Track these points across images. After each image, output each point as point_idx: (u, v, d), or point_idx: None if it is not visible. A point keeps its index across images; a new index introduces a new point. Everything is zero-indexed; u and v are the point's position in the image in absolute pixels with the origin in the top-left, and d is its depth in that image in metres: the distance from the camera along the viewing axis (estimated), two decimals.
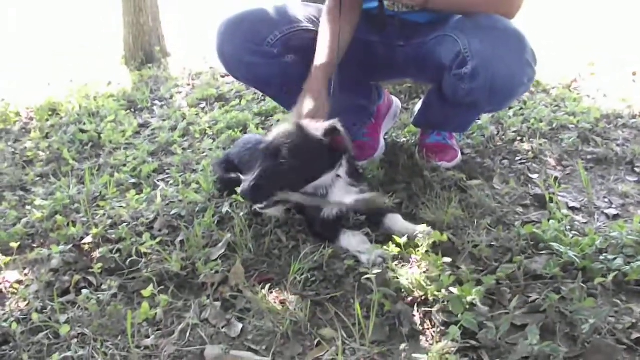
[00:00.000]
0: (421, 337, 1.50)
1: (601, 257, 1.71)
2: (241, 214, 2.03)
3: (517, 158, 2.51)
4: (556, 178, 2.27)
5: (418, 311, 1.57)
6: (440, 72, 2.14)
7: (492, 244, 1.86)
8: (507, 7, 2.04)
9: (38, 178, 2.72)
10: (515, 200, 2.15)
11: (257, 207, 1.96)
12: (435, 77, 2.21)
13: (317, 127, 1.82)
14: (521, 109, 3.02)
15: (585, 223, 2.01)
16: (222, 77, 4.19)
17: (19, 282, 1.93)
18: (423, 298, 1.61)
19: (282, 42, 2.15)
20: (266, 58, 2.14)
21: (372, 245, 1.82)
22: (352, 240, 1.85)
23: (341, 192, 1.92)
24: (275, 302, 1.66)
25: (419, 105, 2.65)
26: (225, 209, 2.11)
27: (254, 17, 2.17)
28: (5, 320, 1.70)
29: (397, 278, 1.63)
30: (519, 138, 2.69)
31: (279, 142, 1.80)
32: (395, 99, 2.77)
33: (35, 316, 1.67)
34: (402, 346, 1.46)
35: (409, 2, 2.00)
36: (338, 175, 1.91)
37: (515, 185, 2.22)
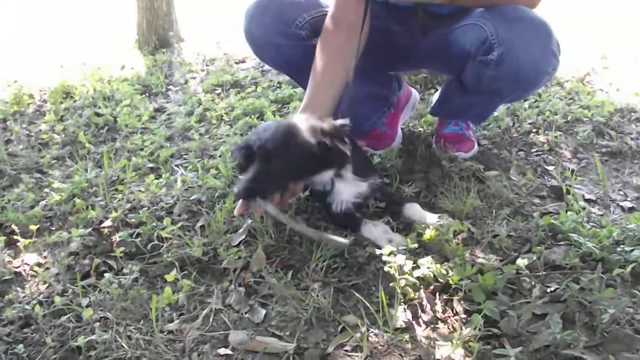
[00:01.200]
0: (443, 324, 1.52)
1: (618, 249, 1.72)
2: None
3: (533, 150, 2.52)
4: (572, 170, 2.28)
5: (440, 299, 1.59)
6: (462, 62, 2.14)
7: (511, 234, 1.88)
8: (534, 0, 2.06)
9: (54, 161, 2.73)
10: (532, 192, 2.16)
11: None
12: (457, 67, 2.22)
13: (316, 126, 1.80)
14: (536, 101, 3.02)
15: (602, 215, 2.02)
16: (237, 63, 4.19)
17: (39, 264, 1.94)
18: (444, 286, 1.63)
19: (310, 24, 2.15)
20: (294, 40, 2.14)
21: (393, 234, 1.83)
22: (374, 230, 1.87)
23: (346, 189, 1.93)
24: (297, 289, 1.68)
25: (436, 95, 2.65)
26: None
27: (282, 0, 2.17)
28: (28, 303, 1.72)
29: (419, 266, 1.65)
30: (534, 130, 2.70)
31: (269, 143, 1.79)
32: (413, 90, 2.77)
33: (57, 299, 1.69)
34: (426, 333, 1.48)
35: (438, 1, 2.00)
36: (339, 175, 1.90)
37: (532, 176, 2.23)
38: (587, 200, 2.12)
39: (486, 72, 2.04)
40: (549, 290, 1.60)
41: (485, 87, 2.12)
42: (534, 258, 1.70)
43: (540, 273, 1.67)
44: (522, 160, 2.42)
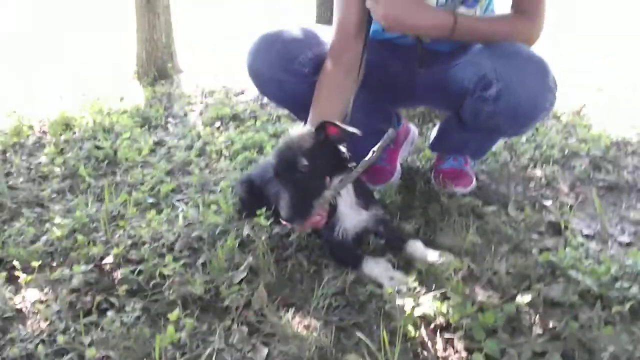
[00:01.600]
0: None
1: (617, 285, 1.74)
2: (262, 237, 2.06)
3: (531, 184, 2.55)
4: (570, 205, 2.31)
5: (441, 337, 1.60)
6: (460, 98, 2.18)
7: (510, 270, 1.90)
8: (528, 35, 2.10)
9: (55, 194, 2.74)
10: (530, 227, 2.18)
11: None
12: (455, 104, 2.25)
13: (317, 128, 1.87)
14: (533, 135, 3.06)
15: (600, 250, 2.04)
16: (236, 95, 4.23)
17: (40, 301, 1.94)
18: (445, 325, 1.64)
19: (312, 62, 2.19)
20: (297, 77, 2.18)
21: (394, 272, 1.85)
22: (375, 268, 1.88)
23: (348, 216, 1.96)
24: (299, 327, 1.68)
25: (434, 130, 2.68)
26: (246, 231, 2.14)
27: (287, 37, 2.22)
28: (30, 342, 1.71)
29: (419, 305, 1.66)
30: (532, 164, 2.73)
31: (289, 153, 1.83)
32: (412, 126, 2.81)
33: (60, 338, 1.69)
34: None
35: (435, 35, 2.03)
36: (340, 195, 1.93)
37: (530, 212, 2.25)
38: (585, 236, 2.14)
39: (484, 108, 2.08)
40: (548, 327, 1.61)
41: (483, 123, 2.15)
42: (534, 295, 1.72)
43: (540, 310, 1.68)
44: (520, 195, 2.45)
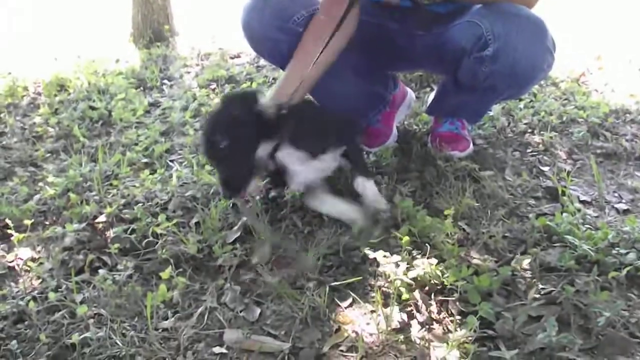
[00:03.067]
0: (438, 325, 1.52)
1: (614, 251, 1.72)
2: (257, 197, 2.04)
3: (528, 150, 2.52)
4: (568, 171, 2.28)
5: (435, 300, 1.59)
6: (458, 60, 2.15)
7: (507, 235, 1.88)
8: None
9: (49, 154, 2.72)
10: (527, 192, 2.16)
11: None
12: (453, 66, 2.22)
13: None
14: (531, 101, 3.02)
15: (597, 217, 2.02)
16: (232, 58, 4.18)
17: (33, 259, 1.93)
18: (439, 287, 1.63)
19: (307, 21, 2.15)
20: (291, 35, 2.14)
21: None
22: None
23: (298, 167, 1.95)
24: (292, 287, 1.68)
25: (432, 94, 2.65)
26: None
27: None
28: (22, 299, 1.71)
29: (413, 267, 1.65)
30: (529, 130, 2.70)
31: (209, 132, 1.88)
32: (409, 90, 2.77)
33: (52, 295, 1.68)
34: (421, 334, 1.48)
35: None
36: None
37: (527, 177, 2.23)
38: (583, 202, 2.12)
39: (481, 68, 2.05)
40: (544, 292, 1.60)
41: (480, 84, 2.14)
42: (530, 260, 1.71)
43: (536, 275, 1.67)
44: (518, 160, 2.42)
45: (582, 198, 2.15)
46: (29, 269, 1.87)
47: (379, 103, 2.53)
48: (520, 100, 2.99)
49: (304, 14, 2.15)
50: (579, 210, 1.99)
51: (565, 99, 3.12)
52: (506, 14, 2.00)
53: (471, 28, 2.05)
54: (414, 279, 1.62)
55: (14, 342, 1.55)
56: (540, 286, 1.63)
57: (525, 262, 1.70)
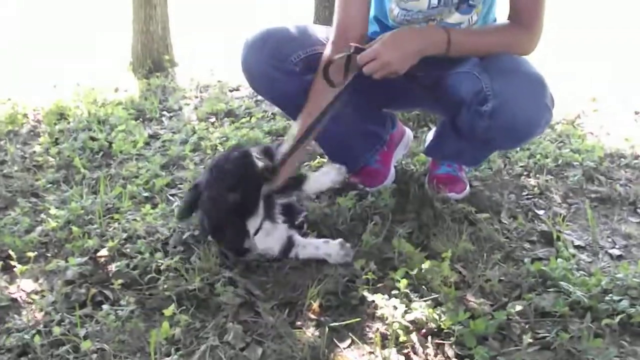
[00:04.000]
0: None
1: (607, 298, 1.76)
2: None
3: (524, 193, 2.58)
4: (563, 216, 2.34)
5: (432, 343, 1.63)
6: (457, 107, 2.20)
7: (502, 278, 1.92)
8: (525, 47, 2.15)
9: (50, 185, 2.73)
10: (523, 236, 2.21)
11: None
12: (451, 111, 2.28)
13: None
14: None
15: (590, 262, 2.07)
16: (231, 91, 4.24)
17: (35, 292, 1.95)
18: (436, 330, 1.67)
19: (304, 61, 2.22)
20: (288, 75, 2.21)
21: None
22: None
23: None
24: (293, 327, 1.71)
25: (430, 135, 2.71)
26: None
27: (280, 35, 2.25)
28: (26, 332, 1.72)
29: (411, 310, 1.68)
30: (525, 173, 2.77)
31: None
32: (407, 129, 2.83)
33: (56, 329, 1.70)
34: None
35: (431, 52, 2.05)
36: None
37: (522, 220, 2.28)
38: (577, 247, 2.17)
39: (480, 122, 2.11)
40: (538, 337, 1.64)
41: (478, 136, 2.19)
42: (525, 305, 1.75)
43: (530, 320, 1.71)
44: (513, 203, 2.48)
45: (577, 243, 2.20)
46: (32, 301, 1.89)
47: (376, 142, 2.58)
48: None
49: (300, 55, 2.23)
50: (573, 256, 2.05)
51: (561, 142, 3.18)
52: (506, 69, 2.05)
53: (471, 80, 2.10)
54: (411, 322, 1.65)
55: None
56: (535, 331, 1.67)
57: (520, 307, 1.73)
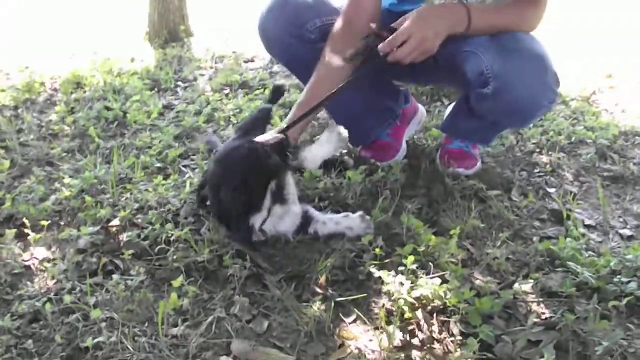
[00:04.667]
0: (439, 345, 1.56)
1: (615, 279, 1.76)
2: None
3: (536, 170, 2.56)
4: (574, 194, 2.32)
5: (437, 320, 1.64)
6: (466, 85, 2.18)
7: (510, 257, 1.92)
8: (530, 23, 2.12)
9: (64, 153, 2.76)
10: (532, 214, 2.20)
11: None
12: (464, 87, 2.26)
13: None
14: (540, 119, 3.04)
15: (600, 242, 2.06)
16: (245, 62, 4.23)
17: (48, 260, 1.99)
18: (441, 307, 1.68)
19: (320, 30, 2.26)
20: (303, 42, 2.26)
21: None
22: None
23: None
24: (299, 300, 1.73)
25: (447, 111, 2.69)
26: None
27: (298, 2, 2.29)
28: (38, 299, 1.76)
29: (417, 287, 1.69)
30: (537, 150, 2.74)
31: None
32: (420, 106, 2.81)
33: (67, 297, 1.74)
34: (422, 353, 1.53)
35: (456, 30, 2.02)
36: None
37: (533, 198, 2.27)
38: (587, 226, 2.16)
39: (484, 103, 2.11)
40: (544, 317, 1.64)
41: (484, 117, 2.19)
42: (532, 284, 1.75)
43: (537, 299, 1.71)
44: (524, 180, 2.46)
45: (587, 222, 2.18)
46: (44, 269, 1.93)
47: (388, 116, 2.57)
48: None
49: (317, 23, 2.27)
50: (583, 235, 2.03)
51: (575, 119, 3.14)
52: (507, 48, 2.03)
53: (475, 61, 2.08)
54: (417, 298, 1.66)
55: (30, 341, 1.62)
56: (541, 311, 1.67)
57: (527, 286, 1.74)
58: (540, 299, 1.72)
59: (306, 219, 2.02)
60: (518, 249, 1.95)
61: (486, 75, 2.03)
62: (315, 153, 2.08)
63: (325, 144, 2.06)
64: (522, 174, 2.52)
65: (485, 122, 2.27)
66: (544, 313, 1.67)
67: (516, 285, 1.74)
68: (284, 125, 2.09)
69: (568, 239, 1.94)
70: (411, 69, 2.36)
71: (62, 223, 2.20)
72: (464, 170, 2.42)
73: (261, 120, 2.54)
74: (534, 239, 2.01)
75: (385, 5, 2.31)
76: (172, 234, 2.01)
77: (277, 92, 2.89)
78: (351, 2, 2.17)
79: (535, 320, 1.61)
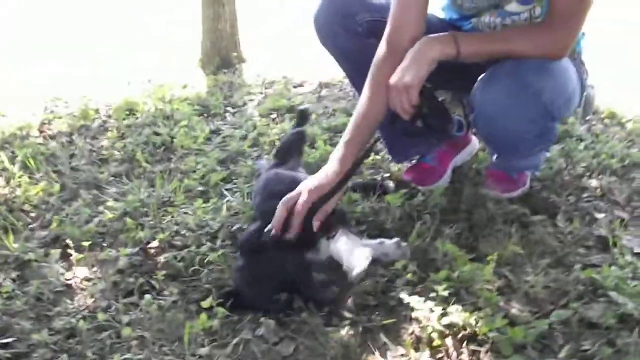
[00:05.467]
0: None
1: None
2: None
3: (584, 195, 2.46)
4: (622, 220, 2.22)
5: (467, 349, 1.59)
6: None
7: (549, 285, 1.84)
8: (553, 51, 1.98)
9: (112, 178, 2.85)
10: (577, 241, 2.11)
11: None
12: None
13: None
14: (592, 142, 2.94)
15: None
16: (295, 87, 4.27)
17: (88, 279, 2.05)
18: (472, 335, 1.62)
19: (368, 24, 2.29)
20: (350, 34, 2.30)
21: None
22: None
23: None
24: (327, 325, 1.71)
25: None
26: None
27: None
28: (74, 316, 1.83)
29: (448, 314, 1.64)
30: (587, 173, 2.63)
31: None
32: (475, 139, 2.74)
33: (100, 316, 1.78)
34: None
35: (441, 56, 1.96)
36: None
37: (579, 224, 2.18)
38: (636, 254, 2.05)
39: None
40: (580, 349, 1.57)
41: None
42: (570, 314, 1.67)
43: (574, 330, 1.64)
44: (571, 205, 2.37)
45: (636, 250, 2.07)
46: (84, 288, 1.99)
47: (432, 139, 2.51)
48: (581, 140, 2.92)
49: (366, 17, 2.29)
50: (630, 264, 1.92)
51: (630, 141, 3.00)
52: (497, 75, 2.01)
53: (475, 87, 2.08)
54: (447, 326, 1.62)
55: (65, 355, 1.67)
56: (578, 343, 1.59)
57: (565, 316, 1.66)
58: (578, 330, 1.64)
59: None
60: (558, 277, 1.87)
61: (471, 103, 2.06)
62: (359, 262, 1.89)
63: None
64: (569, 198, 2.43)
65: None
66: (581, 345, 1.59)
67: (553, 315, 1.67)
68: (336, 166, 2.01)
69: (613, 267, 1.85)
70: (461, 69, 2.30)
71: (104, 244, 2.26)
72: (498, 193, 2.35)
73: (296, 144, 2.56)
74: (576, 266, 1.92)
75: (446, 19, 2.37)
76: (207, 256, 2.03)
77: (303, 116, 2.92)
78: (393, 28, 2.11)
79: (571, 352, 1.53)
